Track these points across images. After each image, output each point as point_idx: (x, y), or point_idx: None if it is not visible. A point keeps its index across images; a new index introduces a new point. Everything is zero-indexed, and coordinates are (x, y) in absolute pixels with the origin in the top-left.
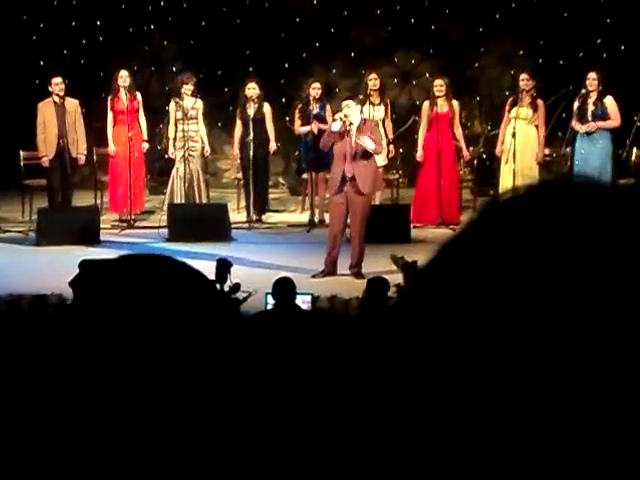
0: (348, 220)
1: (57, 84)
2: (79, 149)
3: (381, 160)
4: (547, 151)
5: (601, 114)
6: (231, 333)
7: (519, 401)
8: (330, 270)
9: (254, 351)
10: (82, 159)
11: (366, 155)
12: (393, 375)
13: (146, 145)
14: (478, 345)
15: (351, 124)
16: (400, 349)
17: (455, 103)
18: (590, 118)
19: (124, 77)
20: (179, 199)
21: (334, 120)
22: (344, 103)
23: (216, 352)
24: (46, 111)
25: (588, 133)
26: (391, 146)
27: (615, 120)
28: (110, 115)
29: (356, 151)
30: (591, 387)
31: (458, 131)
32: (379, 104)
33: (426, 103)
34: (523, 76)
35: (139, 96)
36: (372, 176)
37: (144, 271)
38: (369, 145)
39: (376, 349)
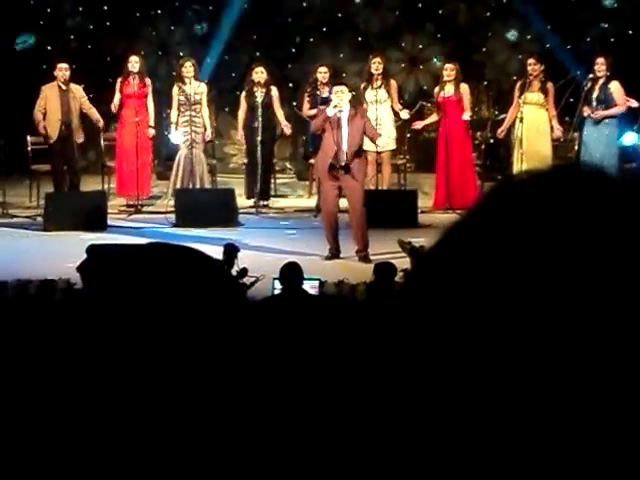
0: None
1: (61, 69)
2: (96, 117)
3: (391, 144)
4: (559, 132)
5: (604, 99)
6: (239, 320)
7: (521, 393)
8: (336, 252)
9: (261, 339)
10: (97, 116)
11: (359, 141)
12: (397, 362)
13: (152, 131)
14: (481, 332)
15: (341, 111)
16: (404, 335)
17: (464, 87)
18: (595, 103)
19: (133, 62)
20: (182, 184)
21: (335, 106)
22: (337, 88)
23: (224, 342)
24: (50, 95)
25: (595, 118)
26: (406, 112)
27: (620, 106)
28: (118, 95)
29: (350, 139)
30: (592, 381)
31: (467, 114)
32: (380, 87)
33: (437, 88)
34: (530, 61)
35: (149, 82)
36: (364, 161)
37: (156, 259)
38: (378, 139)
39: (381, 334)
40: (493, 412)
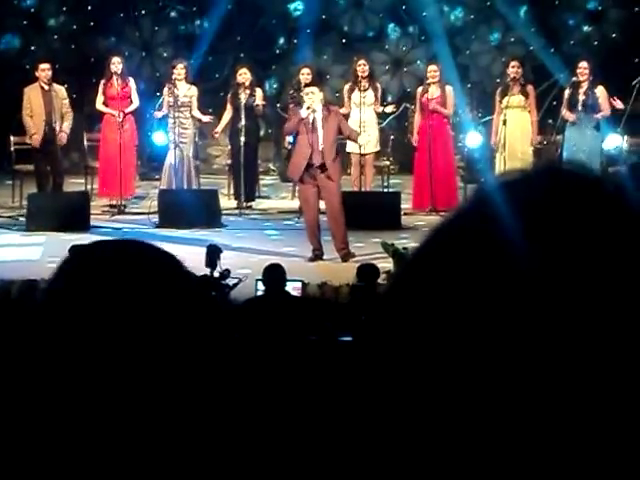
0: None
1: (44, 70)
2: (63, 128)
3: (372, 146)
4: (538, 138)
5: (591, 104)
6: (209, 320)
7: (511, 394)
8: (319, 253)
9: (244, 340)
10: (63, 138)
11: (333, 141)
12: (384, 364)
13: (121, 115)
14: (469, 334)
15: (314, 111)
16: (390, 338)
17: (449, 89)
18: (580, 108)
19: (116, 63)
20: (172, 185)
21: (307, 107)
22: (307, 90)
23: (203, 343)
24: (33, 96)
25: (578, 121)
26: (390, 107)
27: (606, 111)
28: (101, 98)
29: (325, 139)
30: (589, 380)
31: (450, 112)
32: (367, 89)
33: (419, 89)
34: (513, 63)
35: (132, 82)
36: (339, 161)
37: (119, 258)
38: (354, 135)
39: (366, 337)
40: (487, 414)
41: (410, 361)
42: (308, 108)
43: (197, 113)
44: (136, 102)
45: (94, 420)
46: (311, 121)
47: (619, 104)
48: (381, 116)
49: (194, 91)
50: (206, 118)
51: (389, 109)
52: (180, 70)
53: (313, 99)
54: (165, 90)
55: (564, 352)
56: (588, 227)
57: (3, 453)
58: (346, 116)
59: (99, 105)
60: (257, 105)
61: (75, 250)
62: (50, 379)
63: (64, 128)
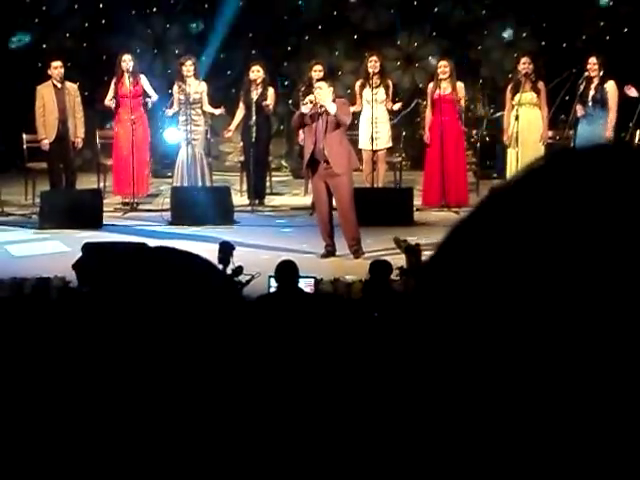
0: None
1: (56, 67)
2: (77, 133)
3: (384, 143)
4: (550, 133)
5: (600, 99)
6: (233, 319)
7: (523, 396)
8: (332, 250)
9: (256, 338)
10: (79, 143)
11: (337, 135)
12: (401, 364)
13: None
14: (489, 335)
15: (322, 106)
16: (410, 337)
17: (460, 85)
18: (590, 103)
19: (127, 61)
20: (184, 182)
21: (304, 104)
22: (317, 85)
23: (220, 341)
24: (46, 94)
25: (589, 116)
26: (398, 105)
27: (612, 109)
28: (109, 95)
29: (326, 132)
30: (592, 383)
31: (460, 107)
32: (379, 86)
33: (431, 85)
34: (524, 60)
35: (143, 78)
36: (346, 155)
37: (152, 262)
38: (331, 108)
39: (385, 336)
40: (495, 412)
41: (426, 363)
42: (308, 103)
43: (208, 108)
44: (154, 95)
45: (114, 421)
46: (317, 116)
47: (634, 92)
48: (393, 112)
49: (204, 86)
50: (218, 111)
51: (397, 106)
52: (189, 67)
53: (319, 94)
54: (175, 88)
55: (582, 347)
56: (606, 212)
57: (17, 445)
58: (357, 113)
59: (107, 101)
60: (267, 105)
61: (91, 248)
62: (67, 376)
63: (79, 133)
